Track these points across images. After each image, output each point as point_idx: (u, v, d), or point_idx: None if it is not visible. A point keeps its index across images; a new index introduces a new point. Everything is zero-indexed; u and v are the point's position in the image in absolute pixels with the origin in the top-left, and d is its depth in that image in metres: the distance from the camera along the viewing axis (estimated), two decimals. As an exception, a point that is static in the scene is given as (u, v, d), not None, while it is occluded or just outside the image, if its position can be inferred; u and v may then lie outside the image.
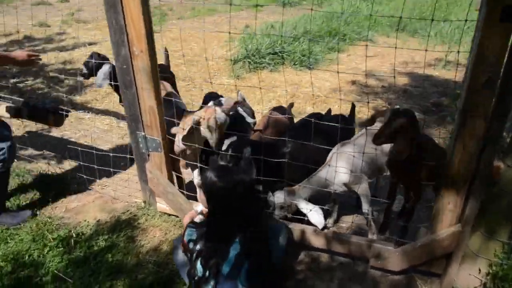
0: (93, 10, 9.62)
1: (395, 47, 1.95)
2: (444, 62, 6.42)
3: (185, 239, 1.94)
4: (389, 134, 2.03)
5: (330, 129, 2.56)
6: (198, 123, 2.34)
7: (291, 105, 3.23)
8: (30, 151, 3.65)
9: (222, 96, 3.29)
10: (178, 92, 3.37)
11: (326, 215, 2.61)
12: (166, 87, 3.00)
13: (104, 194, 3.06)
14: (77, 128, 4.20)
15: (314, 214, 2.37)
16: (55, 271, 2.30)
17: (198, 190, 2.67)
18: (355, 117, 3.09)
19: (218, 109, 2.39)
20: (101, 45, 6.74)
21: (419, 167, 2.18)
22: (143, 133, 2.49)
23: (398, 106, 2.11)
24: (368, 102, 2.97)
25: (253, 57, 6.15)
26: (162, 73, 3.21)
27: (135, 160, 2.69)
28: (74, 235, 2.59)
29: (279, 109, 3.02)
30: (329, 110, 3.19)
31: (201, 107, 2.77)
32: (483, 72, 1.66)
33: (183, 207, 2.58)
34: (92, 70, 3.05)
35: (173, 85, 3.30)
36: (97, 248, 2.50)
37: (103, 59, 3.08)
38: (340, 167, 2.31)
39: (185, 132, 2.36)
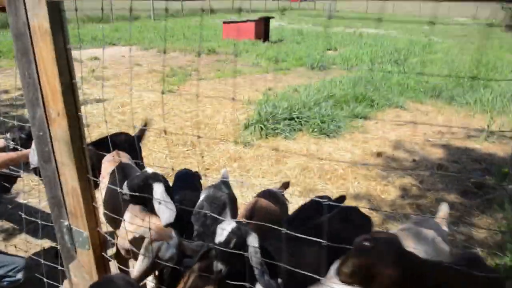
0: (117, 68, 9.60)
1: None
2: (487, 133, 5.57)
3: None
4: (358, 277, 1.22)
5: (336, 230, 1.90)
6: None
7: (285, 185, 2.52)
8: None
9: (196, 174, 2.64)
10: (141, 165, 2.78)
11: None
12: (121, 157, 2.40)
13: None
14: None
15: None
16: None
17: None
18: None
19: (174, 239, 1.89)
20: (109, 103, 6.42)
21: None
22: (67, 223, 1.84)
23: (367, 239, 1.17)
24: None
25: (267, 122, 5.57)
26: (124, 143, 2.66)
27: (61, 256, 2.02)
28: None
29: (267, 194, 2.28)
30: (342, 198, 2.45)
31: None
32: None
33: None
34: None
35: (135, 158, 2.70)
36: None
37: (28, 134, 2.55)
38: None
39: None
